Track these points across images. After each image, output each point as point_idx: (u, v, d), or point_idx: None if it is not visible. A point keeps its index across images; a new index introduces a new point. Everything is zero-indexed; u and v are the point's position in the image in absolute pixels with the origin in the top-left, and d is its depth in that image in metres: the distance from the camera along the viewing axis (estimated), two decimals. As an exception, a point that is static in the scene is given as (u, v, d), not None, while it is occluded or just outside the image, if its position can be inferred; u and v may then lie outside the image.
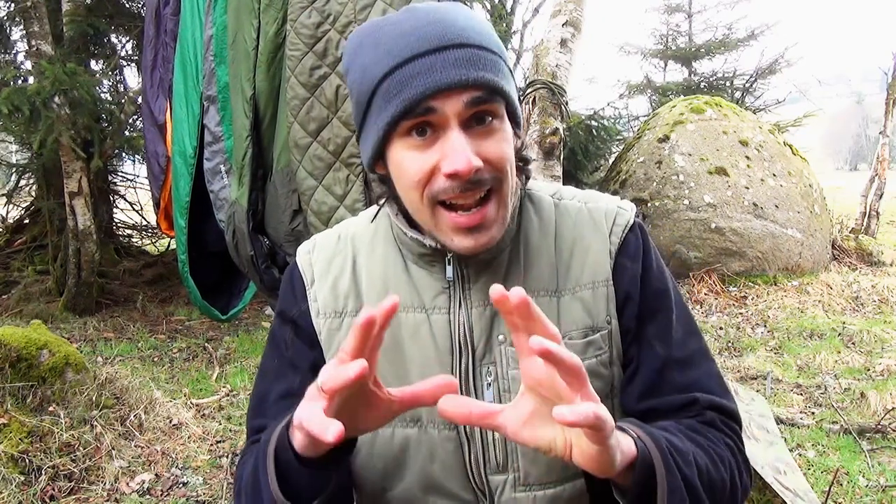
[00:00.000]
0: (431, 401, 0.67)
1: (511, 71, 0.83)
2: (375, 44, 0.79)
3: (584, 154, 6.92)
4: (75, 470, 2.36)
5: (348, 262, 0.95)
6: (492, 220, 0.80)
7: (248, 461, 0.89)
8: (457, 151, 0.75)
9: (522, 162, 0.91)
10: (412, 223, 0.89)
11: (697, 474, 0.76)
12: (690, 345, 0.91)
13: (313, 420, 0.63)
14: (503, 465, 0.89)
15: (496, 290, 0.62)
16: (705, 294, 5.17)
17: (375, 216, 0.97)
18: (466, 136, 0.77)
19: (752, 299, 5.05)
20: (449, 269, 0.87)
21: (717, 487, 0.79)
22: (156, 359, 3.98)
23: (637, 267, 0.90)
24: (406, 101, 0.75)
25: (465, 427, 0.89)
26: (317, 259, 0.97)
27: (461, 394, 0.88)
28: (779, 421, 2.92)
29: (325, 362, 0.93)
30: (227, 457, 2.69)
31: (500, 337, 0.88)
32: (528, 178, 0.93)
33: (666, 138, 6.05)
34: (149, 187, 2.93)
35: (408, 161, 0.79)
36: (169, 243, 6.58)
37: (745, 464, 0.87)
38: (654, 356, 0.89)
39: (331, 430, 0.60)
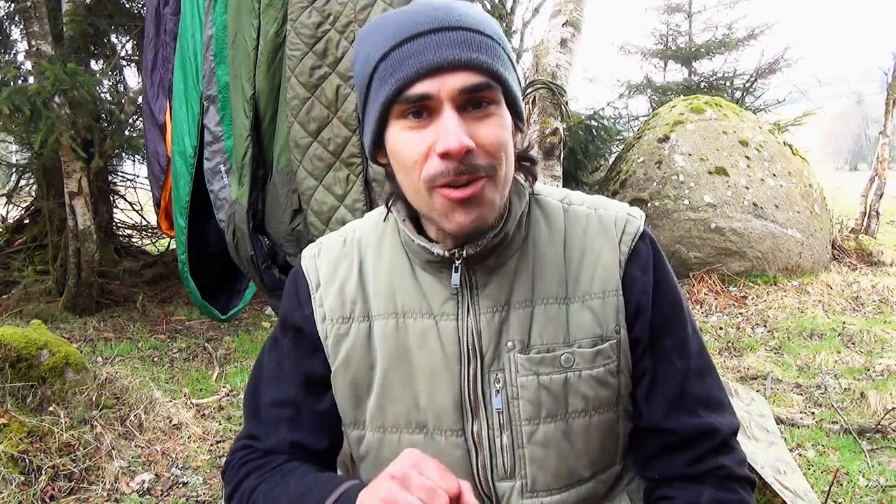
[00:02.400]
0: None
1: (512, 60, 0.83)
2: (379, 30, 0.80)
3: (584, 154, 6.92)
4: (75, 470, 2.35)
5: (355, 266, 0.94)
6: (483, 198, 0.79)
7: (259, 484, 0.91)
8: (449, 131, 0.75)
9: (528, 162, 0.90)
10: (420, 229, 0.88)
11: None
12: (703, 356, 0.93)
13: None
14: (511, 471, 0.89)
15: None
16: (705, 294, 5.17)
17: (386, 217, 0.95)
18: (461, 118, 0.77)
19: (752, 299, 5.05)
20: (455, 277, 0.86)
21: None
22: (156, 359, 3.98)
23: (649, 279, 0.89)
24: (400, 81, 0.76)
25: (472, 433, 0.88)
26: (322, 262, 0.95)
27: (469, 402, 0.88)
28: (779, 421, 2.91)
29: (327, 369, 0.93)
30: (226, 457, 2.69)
31: (509, 343, 0.87)
32: (534, 178, 0.92)
33: (666, 138, 6.04)
34: (149, 187, 2.92)
35: (403, 143, 0.79)
36: (169, 243, 6.57)
37: (752, 495, 0.91)
38: (674, 370, 0.90)
39: None
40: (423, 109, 0.77)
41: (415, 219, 0.89)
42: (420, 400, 0.89)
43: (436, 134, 0.77)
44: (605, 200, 0.96)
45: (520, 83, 0.86)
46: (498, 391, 0.87)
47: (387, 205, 0.92)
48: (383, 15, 0.82)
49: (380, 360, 0.90)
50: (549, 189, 0.97)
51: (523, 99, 3.22)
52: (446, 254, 0.85)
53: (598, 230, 0.91)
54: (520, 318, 0.87)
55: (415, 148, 0.78)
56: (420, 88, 0.76)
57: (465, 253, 0.84)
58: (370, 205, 1.92)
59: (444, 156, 0.76)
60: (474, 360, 0.87)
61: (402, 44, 0.76)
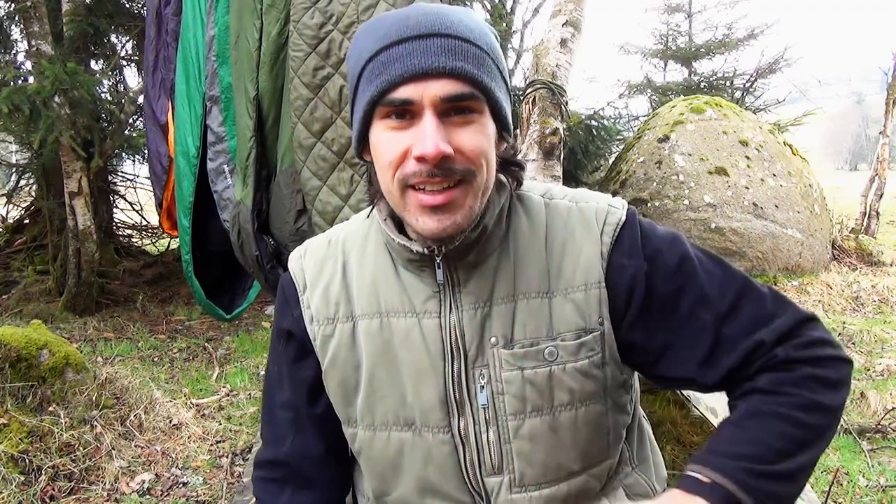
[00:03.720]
0: None
1: (502, 71, 0.83)
2: (372, 31, 0.81)
3: (584, 154, 6.91)
4: (75, 470, 2.35)
5: (339, 267, 0.95)
6: (458, 205, 0.80)
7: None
8: (426, 136, 0.76)
9: (516, 167, 0.91)
10: (401, 229, 0.89)
11: (778, 458, 0.78)
12: (730, 291, 0.87)
13: None
14: (498, 466, 0.89)
15: None
16: (705, 294, 5.16)
17: (369, 215, 0.97)
18: (442, 123, 0.78)
19: (752, 299, 5.05)
20: (439, 273, 0.87)
21: (810, 439, 0.80)
22: (156, 359, 3.98)
23: (639, 262, 0.88)
24: (384, 84, 0.77)
25: (459, 430, 0.89)
26: (308, 264, 0.97)
27: (454, 399, 0.89)
28: (779, 421, 2.91)
29: (318, 370, 0.95)
30: (227, 457, 2.69)
31: (492, 339, 0.88)
32: (519, 183, 0.92)
33: (666, 138, 6.04)
34: (150, 187, 2.92)
35: (383, 142, 0.81)
36: (169, 243, 6.57)
37: (834, 367, 0.84)
38: (703, 326, 0.86)
39: None
40: (406, 112, 0.78)
41: (396, 218, 0.89)
42: (407, 397, 0.90)
43: (414, 137, 0.78)
44: (586, 193, 0.96)
45: (510, 93, 0.86)
46: (483, 387, 0.88)
47: (371, 202, 0.93)
48: (381, 15, 0.83)
49: (365, 359, 0.91)
50: (531, 184, 0.98)
51: (523, 99, 3.23)
52: (426, 251, 0.85)
53: (579, 223, 0.91)
54: (502, 314, 0.88)
55: (393, 148, 0.79)
56: (402, 93, 0.77)
57: (444, 250, 0.85)
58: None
59: (420, 160, 0.77)
60: (458, 357, 0.88)
61: (390, 46, 0.77)
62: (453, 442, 0.89)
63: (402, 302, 0.90)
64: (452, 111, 0.78)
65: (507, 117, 0.84)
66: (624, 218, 0.91)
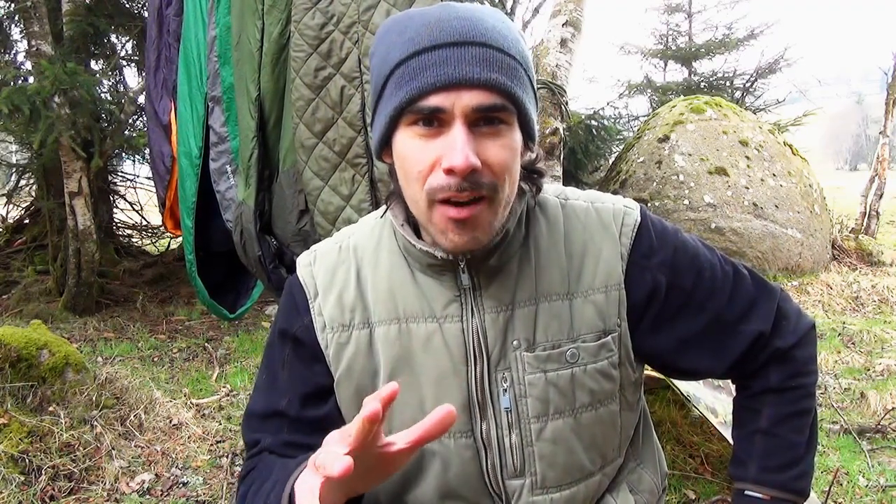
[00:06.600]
0: (440, 433, 0.67)
1: (532, 81, 0.81)
2: (401, 31, 0.78)
3: (584, 154, 6.91)
4: (75, 470, 2.35)
5: (352, 274, 0.93)
6: (480, 221, 0.79)
7: (250, 487, 0.90)
8: (457, 148, 0.74)
9: (537, 174, 0.90)
10: (419, 234, 0.88)
11: (807, 447, 0.94)
12: (728, 277, 0.94)
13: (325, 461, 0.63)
14: (520, 469, 0.89)
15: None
16: (705, 294, 5.16)
17: (383, 215, 0.95)
18: (471, 134, 0.76)
19: (752, 299, 5.05)
20: (464, 277, 0.87)
21: (815, 410, 0.96)
22: (156, 359, 3.98)
23: (658, 263, 0.91)
24: (414, 91, 0.75)
25: (481, 434, 0.89)
26: (319, 271, 0.94)
27: (476, 402, 0.88)
28: (779, 421, 2.91)
29: (329, 378, 0.92)
30: (227, 457, 2.69)
31: (515, 342, 0.88)
32: (539, 189, 0.91)
33: (666, 138, 6.04)
34: (152, 187, 2.92)
35: (410, 151, 0.79)
36: (169, 243, 6.58)
37: (810, 338, 0.97)
38: (714, 314, 0.93)
39: (337, 466, 0.59)
40: (435, 120, 0.76)
41: (412, 222, 0.88)
42: (426, 405, 0.89)
43: (444, 147, 0.76)
44: (600, 194, 0.97)
45: (537, 101, 0.85)
46: (505, 390, 0.88)
47: (386, 203, 0.92)
48: (407, 12, 0.81)
49: (383, 366, 0.90)
50: (544, 186, 0.97)
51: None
52: (450, 256, 0.84)
53: (597, 224, 0.91)
54: (524, 317, 0.88)
55: (421, 158, 0.78)
56: (434, 101, 0.75)
57: (467, 255, 0.84)
58: (376, 204, 1.92)
59: (449, 171, 0.75)
60: (480, 361, 0.88)
61: (421, 52, 0.75)
62: (475, 446, 0.89)
63: (421, 307, 0.89)
64: (482, 121, 0.77)
65: (535, 127, 0.83)
66: (639, 219, 0.92)
